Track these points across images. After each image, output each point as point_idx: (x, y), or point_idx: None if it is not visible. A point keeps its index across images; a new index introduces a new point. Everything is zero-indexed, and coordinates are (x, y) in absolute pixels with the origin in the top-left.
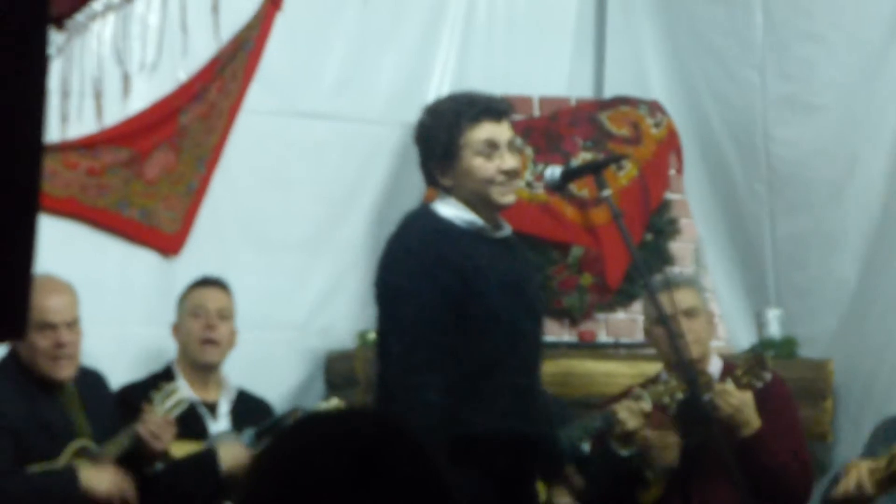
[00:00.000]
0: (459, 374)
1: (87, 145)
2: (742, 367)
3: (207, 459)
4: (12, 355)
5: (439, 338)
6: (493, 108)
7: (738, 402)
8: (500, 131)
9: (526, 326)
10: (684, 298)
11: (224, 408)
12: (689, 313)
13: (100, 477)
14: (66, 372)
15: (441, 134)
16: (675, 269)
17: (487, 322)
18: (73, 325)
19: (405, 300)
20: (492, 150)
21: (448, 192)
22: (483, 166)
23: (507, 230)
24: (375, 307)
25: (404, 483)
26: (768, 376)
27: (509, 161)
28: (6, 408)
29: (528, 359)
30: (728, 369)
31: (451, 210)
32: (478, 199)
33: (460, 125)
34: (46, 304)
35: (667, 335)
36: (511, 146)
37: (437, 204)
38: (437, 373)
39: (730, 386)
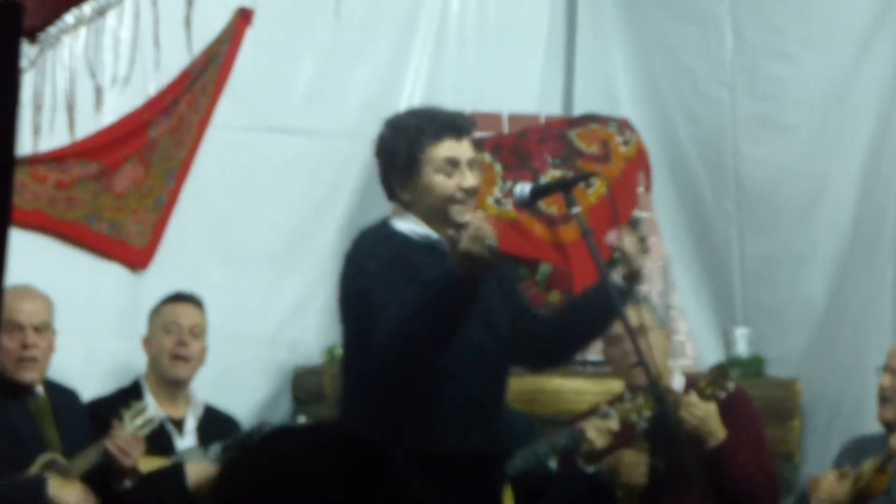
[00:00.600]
0: (411, 388)
1: (56, 158)
2: (705, 378)
3: (174, 475)
4: None
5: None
6: (454, 126)
7: (703, 413)
8: (460, 149)
9: (483, 340)
10: (633, 316)
11: (191, 424)
12: (643, 331)
13: (68, 491)
14: (30, 375)
15: (402, 149)
16: (644, 288)
17: None
18: (42, 329)
19: (374, 294)
20: (452, 168)
21: (407, 207)
22: (443, 184)
23: None
24: (342, 321)
25: (378, 493)
26: (731, 386)
27: (469, 179)
28: None
29: (488, 373)
30: (690, 386)
31: (406, 224)
32: (436, 216)
33: (421, 141)
34: (16, 306)
35: (621, 354)
36: (471, 164)
37: (394, 218)
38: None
39: (693, 397)
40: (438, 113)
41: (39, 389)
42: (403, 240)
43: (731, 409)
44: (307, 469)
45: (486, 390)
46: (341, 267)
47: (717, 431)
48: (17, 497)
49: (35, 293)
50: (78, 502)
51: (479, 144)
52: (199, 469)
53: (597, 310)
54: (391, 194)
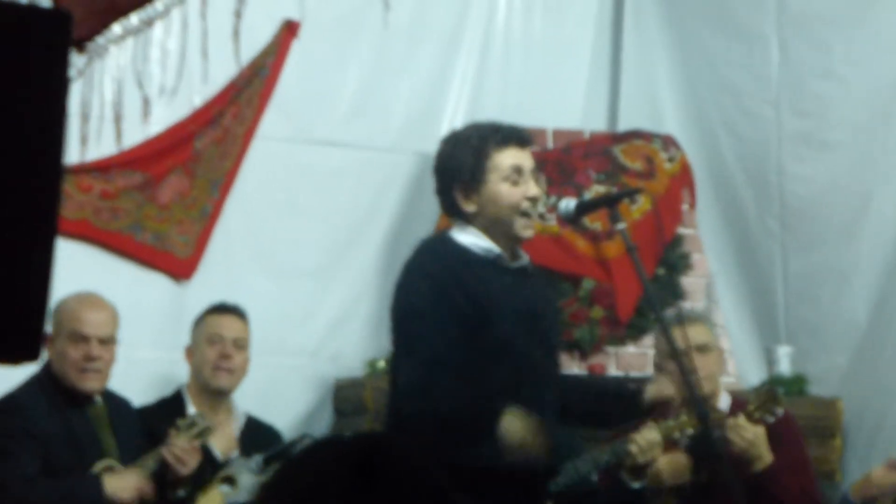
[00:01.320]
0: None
1: (101, 168)
2: (754, 402)
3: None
4: (46, 368)
5: (454, 360)
6: (518, 135)
7: (752, 436)
8: (525, 158)
9: (538, 357)
10: (697, 334)
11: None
12: (702, 349)
13: (123, 484)
14: (92, 384)
15: (467, 158)
16: (687, 305)
17: (498, 350)
18: (106, 341)
19: (421, 321)
20: (518, 176)
21: (468, 220)
22: (509, 192)
23: (524, 260)
24: (391, 331)
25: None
26: (780, 412)
27: (534, 188)
28: (37, 417)
29: (541, 390)
30: (737, 405)
31: (468, 237)
32: (498, 228)
33: (487, 149)
34: (83, 317)
35: (678, 370)
36: (535, 175)
37: (455, 231)
38: (455, 399)
39: (742, 420)
40: (500, 124)
41: (98, 398)
42: (464, 254)
43: (777, 432)
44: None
45: (539, 406)
46: (399, 277)
47: (764, 455)
48: (74, 495)
49: (103, 303)
50: (134, 494)
51: None
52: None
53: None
54: (452, 209)
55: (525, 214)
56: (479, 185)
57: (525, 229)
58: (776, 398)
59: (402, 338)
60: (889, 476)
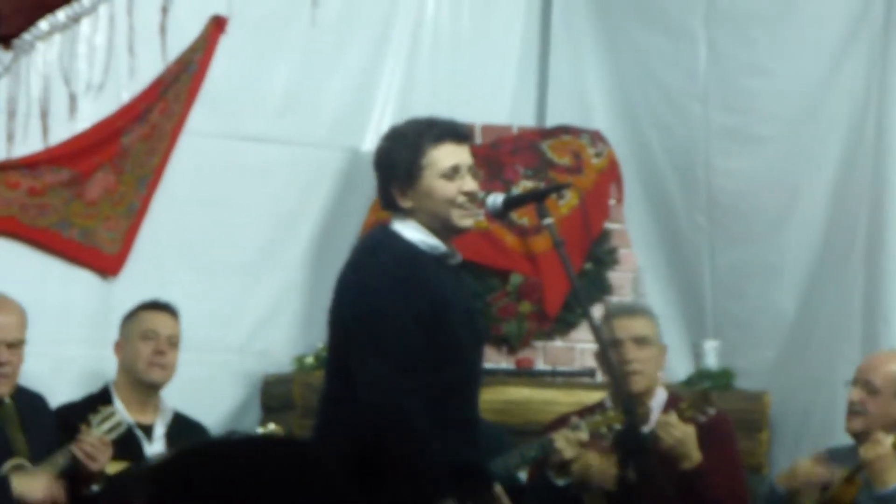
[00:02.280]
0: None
1: (29, 165)
2: (687, 401)
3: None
4: None
5: (417, 363)
6: (455, 131)
7: (681, 434)
8: (461, 154)
9: (474, 357)
10: (639, 326)
11: (159, 430)
12: (641, 342)
13: (33, 485)
14: (2, 388)
15: (403, 154)
16: (614, 299)
17: (450, 352)
18: (15, 345)
19: (385, 321)
20: (454, 172)
21: (407, 214)
22: (445, 187)
23: (458, 257)
24: (341, 329)
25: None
26: (712, 412)
27: (470, 183)
28: None
29: (475, 389)
30: (673, 401)
31: (413, 233)
32: (437, 222)
33: (422, 145)
34: None
35: (607, 363)
36: (471, 170)
37: (397, 225)
38: (420, 399)
39: (672, 418)
40: (438, 120)
41: (6, 399)
42: (412, 251)
43: (709, 432)
44: (240, 481)
45: (472, 408)
46: (347, 273)
47: (693, 454)
48: None
49: (11, 305)
50: (44, 495)
51: None
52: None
53: None
54: (390, 204)
55: (461, 207)
56: (415, 181)
57: (462, 219)
58: (709, 399)
59: (366, 338)
60: (814, 470)
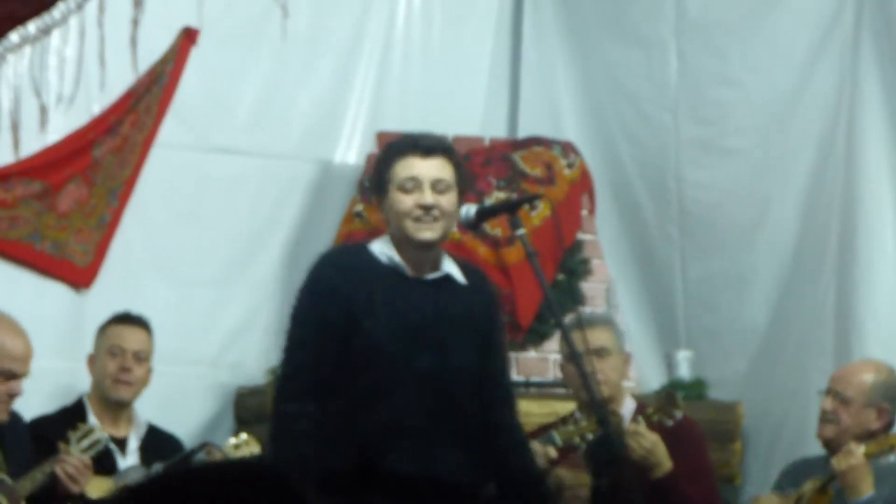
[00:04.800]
0: (339, 408)
1: (0, 177)
2: (653, 404)
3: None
4: None
5: (318, 369)
6: (418, 144)
7: (650, 444)
8: (424, 167)
9: (423, 367)
10: (597, 337)
11: (133, 444)
12: (600, 353)
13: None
14: (3, 416)
15: (377, 169)
16: (587, 309)
17: (369, 357)
18: (26, 376)
19: (292, 330)
20: (413, 185)
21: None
22: (401, 199)
23: (440, 272)
24: None
25: None
26: (679, 414)
27: (428, 197)
28: None
29: (424, 399)
30: (641, 409)
31: (378, 246)
32: (399, 235)
33: (389, 160)
34: (15, 352)
35: (577, 373)
36: (437, 184)
37: (375, 240)
38: (312, 403)
39: (642, 427)
40: (411, 135)
41: None
42: (366, 262)
43: (678, 439)
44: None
45: (425, 418)
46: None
47: (663, 462)
48: None
49: (19, 330)
50: None
51: None
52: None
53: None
54: None
55: (417, 220)
56: (383, 195)
57: (418, 231)
58: (675, 401)
59: (284, 345)
60: None
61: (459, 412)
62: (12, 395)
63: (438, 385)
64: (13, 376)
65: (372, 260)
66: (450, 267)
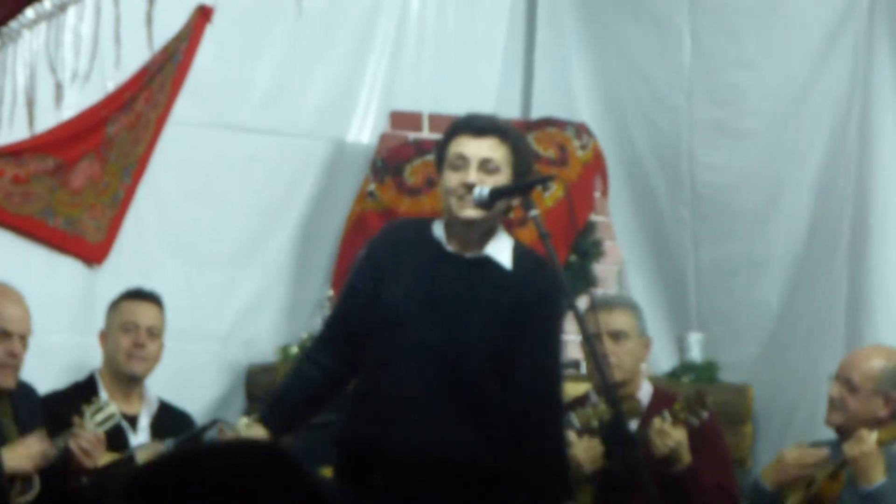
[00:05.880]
0: (358, 373)
1: (13, 153)
2: (682, 402)
3: (127, 467)
4: None
5: (336, 327)
6: (471, 124)
7: (675, 442)
8: (475, 146)
9: (429, 338)
10: (615, 320)
11: (144, 421)
12: (617, 336)
13: (19, 451)
14: (10, 381)
15: (439, 147)
16: (599, 291)
17: (380, 325)
18: (25, 338)
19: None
20: (461, 164)
21: None
22: (449, 177)
23: (482, 253)
24: None
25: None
26: (706, 415)
27: (472, 175)
28: None
29: (428, 372)
30: (659, 397)
31: (437, 222)
32: (447, 211)
33: (446, 138)
34: (7, 313)
35: (590, 355)
36: (486, 164)
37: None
38: (319, 352)
39: (667, 425)
40: (469, 116)
41: None
42: (418, 234)
43: (699, 433)
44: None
45: (426, 389)
46: None
47: (685, 457)
48: None
49: (17, 295)
50: (37, 458)
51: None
52: (152, 455)
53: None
54: None
55: (459, 198)
56: (440, 173)
57: (459, 210)
58: (704, 402)
59: None
60: (803, 455)
61: (466, 389)
62: (14, 356)
63: (443, 358)
64: (6, 334)
65: (425, 234)
66: (498, 250)
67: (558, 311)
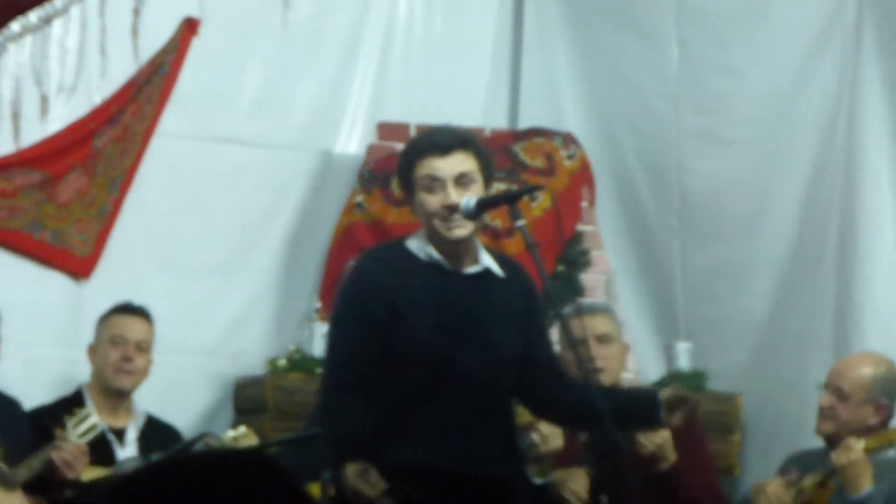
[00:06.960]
0: (384, 404)
1: (0, 167)
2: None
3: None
4: None
5: (362, 363)
6: (435, 143)
7: (660, 440)
8: (444, 166)
9: (466, 361)
10: (598, 324)
11: (132, 434)
12: (602, 339)
13: (8, 501)
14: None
15: (401, 170)
16: (587, 300)
17: (412, 353)
18: None
19: (336, 326)
20: (436, 186)
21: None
22: (427, 200)
23: (480, 266)
24: None
25: None
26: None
27: (452, 195)
28: None
29: (469, 394)
30: None
31: (415, 243)
32: (432, 233)
33: (411, 160)
34: None
35: (575, 361)
36: (460, 179)
37: (411, 236)
38: (357, 394)
39: None
40: (432, 131)
41: None
42: (405, 259)
43: (682, 431)
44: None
45: (470, 413)
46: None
47: (670, 456)
48: None
49: None
50: None
51: None
52: None
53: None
54: None
55: (444, 220)
56: (411, 195)
57: (448, 231)
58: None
59: (326, 342)
60: (784, 492)
61: (501, 406)
62: None
63: (484, 381)
64: None
65: (411, 256)
66: (488, 260)
67: (543, 305)
